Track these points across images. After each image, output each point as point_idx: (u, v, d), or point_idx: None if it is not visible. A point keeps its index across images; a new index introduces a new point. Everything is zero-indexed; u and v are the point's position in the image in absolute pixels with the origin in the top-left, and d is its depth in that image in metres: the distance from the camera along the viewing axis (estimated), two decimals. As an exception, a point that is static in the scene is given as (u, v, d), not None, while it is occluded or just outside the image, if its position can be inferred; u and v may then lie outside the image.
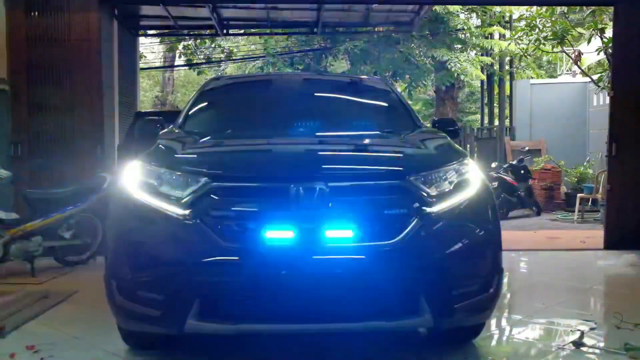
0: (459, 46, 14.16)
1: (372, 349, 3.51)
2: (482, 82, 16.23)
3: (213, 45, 16.46)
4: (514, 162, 11.28)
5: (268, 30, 11.92)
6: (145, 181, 3.02)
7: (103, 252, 3.30)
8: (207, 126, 4.09)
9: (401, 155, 3.31)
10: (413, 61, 13.96)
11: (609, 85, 7.91)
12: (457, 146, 3.54)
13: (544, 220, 10.24)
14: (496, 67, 15.04)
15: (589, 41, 10.14)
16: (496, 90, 16.40)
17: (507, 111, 15.68)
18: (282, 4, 8.75)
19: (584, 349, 3.48)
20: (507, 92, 15.70)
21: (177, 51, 17.29)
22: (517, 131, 14.51)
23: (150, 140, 3.62)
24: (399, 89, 12.84)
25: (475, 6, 13.65)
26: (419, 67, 14.03)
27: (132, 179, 3.08)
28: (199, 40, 14.84)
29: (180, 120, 4.11)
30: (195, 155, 3.31)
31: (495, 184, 10.04)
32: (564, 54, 11.93)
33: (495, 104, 16.75)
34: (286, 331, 3.02)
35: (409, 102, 5.34)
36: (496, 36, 14.86)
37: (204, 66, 17.05)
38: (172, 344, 3.46)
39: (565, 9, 10.16)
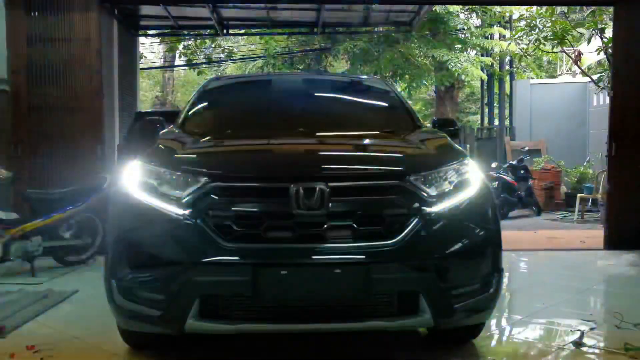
0: (459, 46, 14.16)
1: (372, 348, 3.51)
2: (482, 82, 16.23)
3: (213, 45, 16.47)
4: (514, 162, 11.28)
5: (268, 31, 11.92)
6: (145, 181, 3.02)
7: (103, 252, 3.30)
8: (207, 126, 4.09)
9: (401, 155, 3.31)
10: (413, 61, 13.95)
11: (609, 85, 7.91)
12: (457, 146, 3.53)
13: (544, 220, 10.24)
14: (496, 67, 15.04)
15: (589, 41, 10.13)
16: (496, 90, 16.40)
17: (507, 111, 15.68)
18: (282, 4, 8.75)
19: (584, 349, 3.48)
20: (507, 92, 15.70)
21: (177, 51, 17.29)
22: (517, 131, 14.52)
23: (150, 140, 3.62)
24: (399, 89, 12.85)
25: (475, 6, 13.65)
26: (419, 67, 14.03)
27: (132, 179, 3.08)
28: (199, 40, 14.84)
29: (180, 120, 4.11)
30: (195, 155, 3.30)
31: (495, 184, 10.04)
32: (564, 54, 11.93)
33: (495, 104, 16.75)
34: (286, 331, 3.02)
35: (409, 102, 5.33)
36: (496, 36, 14.86)
37: (204, 66, 17.05)
38: (172, 344, 3.46)
39: (565, 9, 10.15)
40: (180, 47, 16.19)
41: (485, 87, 16.64)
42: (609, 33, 8.80)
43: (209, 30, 11.18)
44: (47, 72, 6.68)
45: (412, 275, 2.81)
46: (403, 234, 2.79)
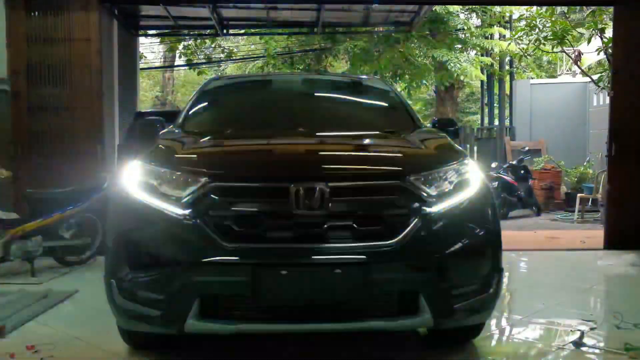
0: (459, 46, 14.16)
1: (372, 349, 3.51)
2: (482, 82, 16.22)
3: (213, 45, 16.46)
4: (514, 162, 11.28)
5: (268, 31, 11.92)
6: (145, 181, 3.02)
7: (103, 252, 3.29)
8: (207, 126, 4.09)
9: (401, 155, 3.31)
10: (413, 61, 13.95)
11: (609, 85, 7.91)
12: (457, 146, 3.54)
13: (544, 220, 10.24)
14: (496, 67, 15.04)
15: (589, 41, 10.14)
16: (496, 90, 16.40)
17: (507, 111, 15.68)
18: (282, 3, 8.75)
19: (584, 349, 3.48)
20: (507, 92, 15.70)
21: (177, 51, 17.28)
22: (517, 131, 14.52)
23: (150, 140, 3.62)
24: (399, 89, 12.85)
25: (475, 6, 13.65)
26: (419, 67, 14.03)
27: (132, 179, 3.08)
28: (199, 40, 14.84)
29: (180, 120, 4.10)
30: (195, 155, 3.30)
31: (495, 184, 10.04)
32: (564, 54, 11.93)
33: (495, 104, 16.75)
34: (286, 331, 3.02)
35: (409, 102, 5.33)
36: (496, 36, 14.86)
37: (204, 66, 17.04)
38: (172, 344, 3.46)
39: (565, 9, 10.15)
40: (180, 47, 16.19)
41: (485, 87, 16.64)
42: (609, 33, 8.81)
43: (209, 30, 11.17)
44: (47, 72, 6.68)
45: (412, 275, 2.81)
46: (403, 234, 2.79)
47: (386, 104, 4.51)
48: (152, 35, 13.71)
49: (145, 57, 18.49)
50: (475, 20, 15.16)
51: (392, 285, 2.80)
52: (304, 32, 12.83)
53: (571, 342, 3.55)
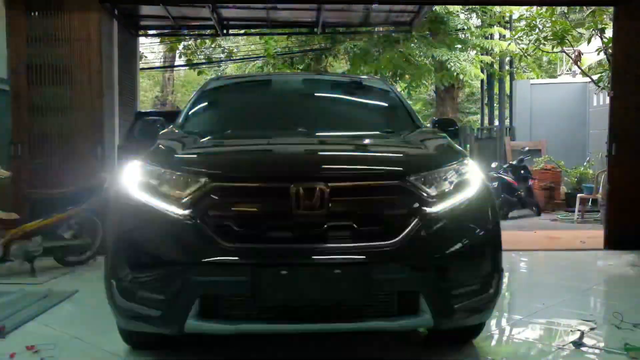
0: (459, 46, 14.17)
1: (372, 349, 3.51)
2: (482, 82, 16.22)
3: (213, 45, 16.46)
4: (514, 162, 11.29)
5: (268, 31, 11.92)
6: (145, 181, 3.02)
7: (103, 252, 3.30)
8: (207, 126, 4.09)
9: (401, 155, 3.31)
10: (413, 61, 13.95)
11: (609, 85, 7.91)
12: (457, 146, 3.53)
13: (544, 220, 10.24)
14: (496, 67, 15.04)
15: (589, 41, 10.15)
16: (496, 91, 16.40)
17: (507, 111, 15.68)
18: (282, 4, 8.75)
19: (584, 349, 3.48)
20: (507, 92, 15.70)
21: (177, 51, 17.29)
22: (517, 131, 14.52)
23: (150, 140, 3.62)
24: (399, 89, 12.85)
25: (475, 6, 13.65)
26: (419, 67, 14.03)
27: (132, 179, 3.08)
28: (199, 40, 14.84)
29: (180, 120, 4.11)
30: (195, 155, 3.30)
31: (495, 184, 10.05)
32: (564, 54, 11.94)
33: (495, 104, 16.76)
34: (286, 331, 3.02)
35: (409, 102, 5.33)
36: (496, 36, 14.87)
37: (204, 66, 17.04)
38: (172, 344, 3.46)
39: (565, 9, 10.17)
40: (180, 47, 16.19)
41: (485, 87, 16.64)
42: (609, 33, 8.82)
43: (209, 30, 11.17)
44: (47, 72, 6.68)
45: (412, 275, 2.81)
46: (403, 234, 2.79)
47: (386, 104, 4.51)
48: (152, 35, 13.68)
49: (145, 57, 18.50)
50: (475, 20, 15.17)
51: (392, 285, 2.80)
52: (304, 32, 12.82)
53: (571, 342, 3.55)
